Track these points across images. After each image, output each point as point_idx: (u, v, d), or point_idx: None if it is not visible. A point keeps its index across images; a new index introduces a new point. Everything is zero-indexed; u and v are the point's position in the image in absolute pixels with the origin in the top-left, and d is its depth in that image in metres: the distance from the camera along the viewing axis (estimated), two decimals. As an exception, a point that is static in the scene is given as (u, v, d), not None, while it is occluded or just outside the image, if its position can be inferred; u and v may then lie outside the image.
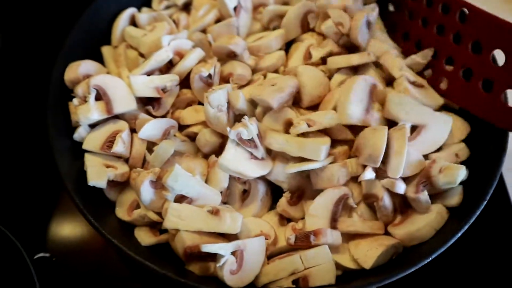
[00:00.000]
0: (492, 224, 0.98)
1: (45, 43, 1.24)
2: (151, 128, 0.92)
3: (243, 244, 0.81)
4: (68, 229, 1.01)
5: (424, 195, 0.82)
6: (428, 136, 0.87)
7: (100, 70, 1.02)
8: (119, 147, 0.90)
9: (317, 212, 0.86)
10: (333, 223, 0.85)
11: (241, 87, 0.97)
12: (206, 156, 0.95)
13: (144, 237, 0.87)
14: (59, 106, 0.97)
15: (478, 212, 0.79)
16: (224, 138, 0.91)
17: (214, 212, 0.83)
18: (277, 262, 0.82)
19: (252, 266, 0.81)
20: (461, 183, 0.83)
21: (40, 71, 1.04)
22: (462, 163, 0.87)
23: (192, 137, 0.97)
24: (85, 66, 0.99)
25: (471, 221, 0.79)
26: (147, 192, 0.85)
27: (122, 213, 0.90)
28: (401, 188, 0.83)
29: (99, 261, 0.97)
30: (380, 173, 0.85)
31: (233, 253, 0.80)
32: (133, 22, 1.11)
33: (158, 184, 0.86)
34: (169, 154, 0.89)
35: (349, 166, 0.86)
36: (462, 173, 0.81)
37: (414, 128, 0.87)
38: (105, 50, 1.08)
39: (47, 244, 0.99)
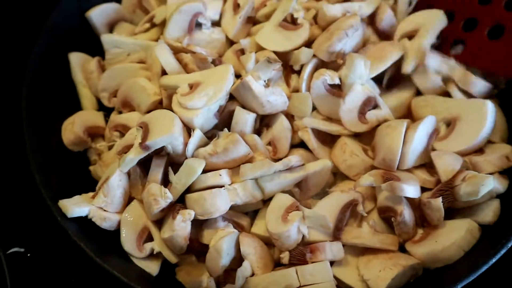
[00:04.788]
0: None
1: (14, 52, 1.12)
2: None
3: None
4: (43, 223, 0.91)
5: (436, 202, 0.71)
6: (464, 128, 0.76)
7: (94, 117, 0.92)
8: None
9: (319, 218, 0.75)
10: (337, 233, 0.74)
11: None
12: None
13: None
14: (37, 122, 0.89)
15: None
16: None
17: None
18: (268, 275, 0.72)
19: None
20: (500, 197, 0.72)
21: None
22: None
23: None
24: (78, 121, 0.89)
25: (510, 244, 0.66)
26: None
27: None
28: (405, 190, 0.70)
29: (72, 257, 0.87)
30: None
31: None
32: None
33: None
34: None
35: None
36: (487, 183, 0.68)
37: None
38: (73, 58, 0.98)
39: (21, 239, 0.92)
